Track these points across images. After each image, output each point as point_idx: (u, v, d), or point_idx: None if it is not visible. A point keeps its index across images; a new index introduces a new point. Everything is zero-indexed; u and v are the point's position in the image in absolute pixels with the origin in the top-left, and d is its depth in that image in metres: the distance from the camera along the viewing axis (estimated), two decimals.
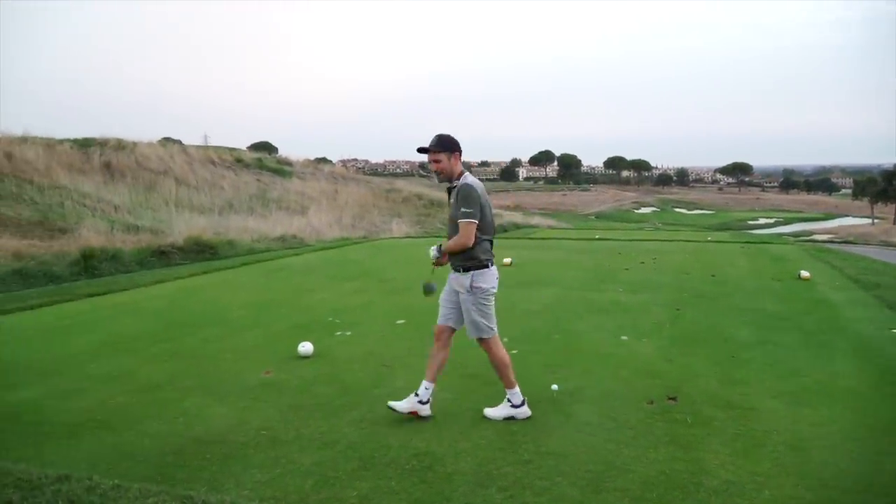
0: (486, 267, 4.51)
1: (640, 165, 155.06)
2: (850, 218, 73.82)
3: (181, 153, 29.52)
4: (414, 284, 10.20)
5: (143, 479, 3.49)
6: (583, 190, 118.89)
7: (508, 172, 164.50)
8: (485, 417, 4.48)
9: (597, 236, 20.50)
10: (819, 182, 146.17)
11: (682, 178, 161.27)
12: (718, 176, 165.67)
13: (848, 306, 8.38)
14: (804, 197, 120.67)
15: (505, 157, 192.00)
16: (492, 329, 4.63)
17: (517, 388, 4.55)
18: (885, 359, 5.93)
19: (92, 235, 14.19)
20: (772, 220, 71.02)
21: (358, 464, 3.77)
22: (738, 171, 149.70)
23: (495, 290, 4.65)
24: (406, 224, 26.81)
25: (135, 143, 28.06)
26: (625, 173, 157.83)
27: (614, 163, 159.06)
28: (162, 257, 13.26)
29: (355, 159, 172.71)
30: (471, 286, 4.49)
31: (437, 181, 4.68)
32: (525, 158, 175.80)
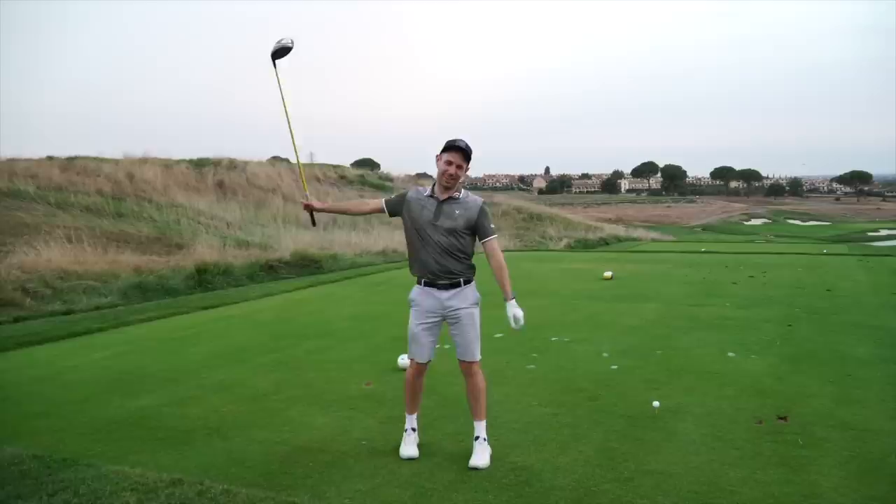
0: None
1: (750, 175, 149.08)
2: None
3: (288, 171, 30.69)
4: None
5: (250, 485, 3.65)
6: (688, 202, 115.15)
7: (610, 185, 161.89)
8: (474, 469, 3.89)
9: (703, 249, 19.82)
10: None
11: (795, 187, 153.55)
12: (835, 185, 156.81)
13: None
14: None
15: (606, 170, 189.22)
16: None
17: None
18: None
19: (205, 251, 14.95)
20: (895, 232, 66.50)
21: (455, 476, 3.80)
22: (857, 180, 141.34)
23: None
24: (505, 238, 26.82)
25: (246, 163, 29.44)
26: (733, 184, 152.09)
27: (722, 173, 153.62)
28: (270, 271, 13.82)
29: None
30: (477, 299, 4.27)
31: (420, 193, 4.26)
32: (627, 170, 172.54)
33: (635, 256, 17.81)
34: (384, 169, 42.17)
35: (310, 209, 4.51)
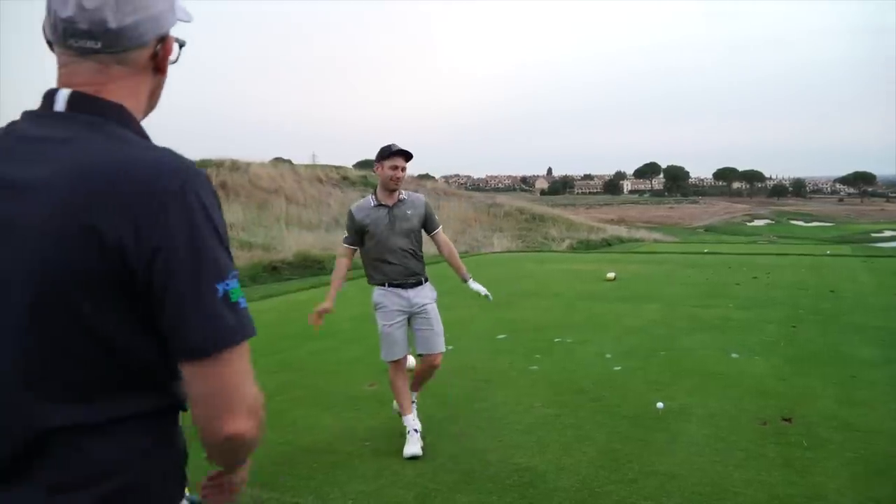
0: None
1: (753, 176, 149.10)
2: None
3: (291, 172, 30.74)
4: (515, 300, 10.19)
5: (253, 485, 3.63)
6: (691, 202, 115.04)
7: (612, 186, 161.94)
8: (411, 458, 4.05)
9: (705, 250, 19.79)
10: None
11: (798, 188, 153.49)
12: (838, 186, 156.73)
13: None
14: None
15: (608, 170, 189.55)
16: None
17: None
18: None
19: None
20: None
21: (459, 477, 3.80)
22: (861, 181, 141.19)
23: None
24: (507, 239, 26.82)
25: (248, 164, 29.46)
26: (736, 185, 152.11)
27: (724, 174, 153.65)
28: (273, 272, 13.84)
29: (457, 175, 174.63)
30: (436, 296, 4.51)
31: (365, 208, 4.34)
32: (629, 171, 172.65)
33: (638, 257, 17.80)
34: None
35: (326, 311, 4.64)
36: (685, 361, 6.24)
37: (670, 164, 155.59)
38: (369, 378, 5.87)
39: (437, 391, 5.45)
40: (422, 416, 4.41)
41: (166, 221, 0.98)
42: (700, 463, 3.90)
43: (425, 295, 4.37)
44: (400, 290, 4.31)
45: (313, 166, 34.32)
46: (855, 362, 6.09)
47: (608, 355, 6.49)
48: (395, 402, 4.45)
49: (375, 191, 4.38)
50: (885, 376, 5.63)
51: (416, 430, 4.21)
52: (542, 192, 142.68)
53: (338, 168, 35.20)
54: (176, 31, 1.22)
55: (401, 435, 4.38)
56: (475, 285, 4.55)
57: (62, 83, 1.08)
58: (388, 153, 4.23)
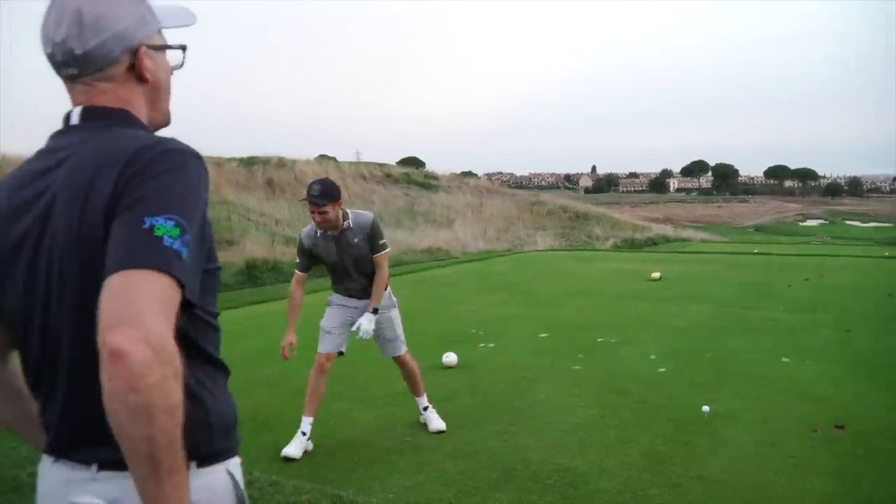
0: None
1: (806, 174, 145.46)
2: None
3: (335, 170, 31.01)
4: (557, 298, 10.11)
5: (297, 477, 3.68)
6: (740, 201, 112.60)
7: (658, 184, 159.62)
8: (438, 432, 4.42)
9: (755, 251, 19.37)
10: None
11: (854, 187, 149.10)
12: None
13: None
14: None
15: (654, 168, 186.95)
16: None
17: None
18: None
19: (255, 247, 15.20)
20: None
21: (499, 475, 3.78)
22: None
23: None
24: (550, 237, 26.66)
25: (294, 161, 29.83)
26: (788, 183, 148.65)
27: (776, 172, 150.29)
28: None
29: (500, 172, 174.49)
30: (394, 302, 4.55)
31: (312, 237, 4.30)
32: (676, 169, 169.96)
33: (684, 257, 17.50)
34: (429, 167, 42.29)
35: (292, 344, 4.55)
36: (732, 364, 6.11)
37: (719, 161, 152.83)
38: None
39: (479, 388, 5.43)
40: (463, 414, 4.39)
41: (137, 170, 1.07)
42: (747, 469, 3.81)
43: (384, 305, 4.36)
44: (356, 301, 4.40)
45: (357, 163, 34.60)
46: None
47: (652, 356, 6.39)
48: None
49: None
50: None
51: (304, 434, 4.16)
52: (587, 191, 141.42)
53: (381, 165, 35.41)
54: (185, 34, 1.30)
55: (440, 431, 4.39)
56: (367, 322, 4.28)
57: (72, 104, 1.21)
58: (308, 199, 4.08)
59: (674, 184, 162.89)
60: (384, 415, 4.86)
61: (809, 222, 78.20)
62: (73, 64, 1.17)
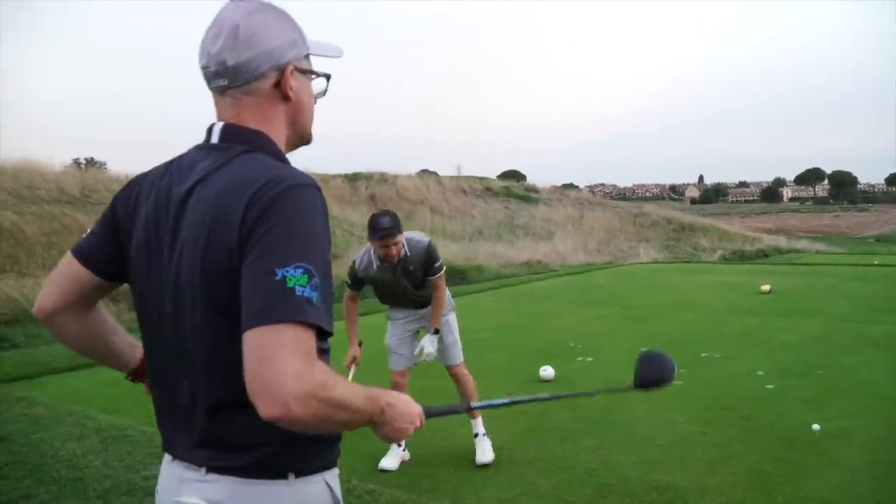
0: None
1: None
2: None
3: (436, 184, 31.42)
4: (659, 312, 9.86)
5: (394, 486, 3.78)
6: (859, 210, 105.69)
7: (770, 193, 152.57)
8: (482, 465, 4.15)
9: (875, 262, 18.19)
10: None
11: None
12: None
13: None
14: None
15: (766, 177, 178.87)
16: None
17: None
18: None
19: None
20: None
21: (594, 491, 3.74)
22: None
23: None
24: (654, 249, 25.96)
25: (396, 176, 30.45)
26: None
27: None
28: None
29: (602, 184, 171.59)
30: (452, 305, 4.53)
31: (367, 267, 4.34)
32: (790, 177, 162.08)
33: (797, 269, 16.66)
34: (530, 180, 42.15)
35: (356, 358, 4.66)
36: (846, 381, 5.78)
37: (836, 168, 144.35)
38: (507, 387, 5.88)
39: (575, 403, 5.38)
40: (558, 428, 4.36)
41: (263, 212, 1.13)
42: (859, 491, 3.61)
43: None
44: (414, 310, 4.46)
45: (458, 178, 34.93)
46: None
47: (760, 372, 6.13)
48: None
49: (374, 249, 4.17)
50: None
51: (398, 445, 4.20)
52: (693, 201, 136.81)
53: (481, 179, 35.58)
54: (337, 64, 1.40)
55: (536, 444, 4.38)
56: (426, 340, 4.33)
57: (217, 117, 1.32)
58: (372, 232, 3.97)
59: (787, 193, 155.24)
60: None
61: None
62: (223, 74, 1.26)
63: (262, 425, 1.07)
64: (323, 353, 1.32)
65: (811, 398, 5.30)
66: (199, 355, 1.22)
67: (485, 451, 4.21)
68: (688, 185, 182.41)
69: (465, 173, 36.86)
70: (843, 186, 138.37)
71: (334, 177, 29.06)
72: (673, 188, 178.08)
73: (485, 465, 4.13)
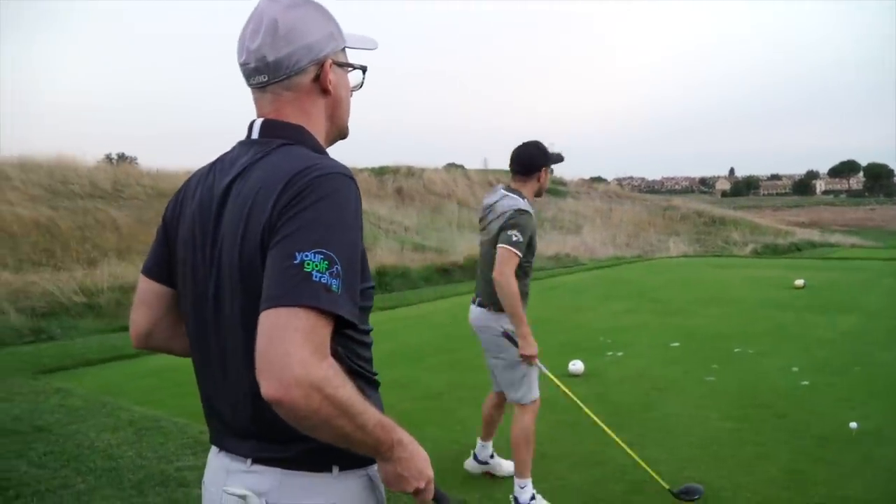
0: None
1: None
2: None
3: (463, 177, 31.39)
4: (690, 306, 9.74)
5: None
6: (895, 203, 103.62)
7: (803, 186, 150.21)
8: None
9: None
10: None
11: None
12: None
13: None
14: None
15: (799, 170, 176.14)
16: None
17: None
18: None
19: (385, 254, 15.64)
20: None
21: (627, 487, 3.71)
22: None
23: None
24: (684, 243, 25.67)
25: (423, 170, 30.46)
26: None
27: None
28: (445, 275, 14.20)
29: (631, 177, 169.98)
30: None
31: (525, 201, 3.58)
32: (823, 170, 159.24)
33: (831, 263, 16.36)
34: (557, 173, 41.86)
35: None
36: (884, 378, 5.66)
37: (871, 161, 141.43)
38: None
39: (606, 398, 5.34)
40: (589, 423, 4.32)
41: (293, 198, 1.13)
42: None
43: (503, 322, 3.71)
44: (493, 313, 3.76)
45: (484, 171, 34.79)
46: None
47: (795, 368, 6.03)
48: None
49: (522, 195, 3.60)
50: None
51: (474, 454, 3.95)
52: (724, 194, 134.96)
53: (508, 173, 35.45)
54: (364, 58, 1.41)
55: (568, 439, 4.35)
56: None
57: (257, 114, 1.32)
58: (559, 158, 3.67)
59: (820, 185, 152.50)
60: (508, 422, 4.87)
61: None
62: (263, 70, 1.27)
63: None
64: (362, 345, 1.31)
65: (847, 395, 5.20)
66: (240, 347, 1.21)
67: (504, 465, 3.88)
68: (718, 177, 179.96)
69: (491, 167, 36.63)
70: (878, 179, 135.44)
71: (362, 170, 29.16)
72: (703, 181, 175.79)
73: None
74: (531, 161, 3.58)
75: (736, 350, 6.83)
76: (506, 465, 3.88)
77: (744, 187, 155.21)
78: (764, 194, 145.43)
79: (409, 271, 13.64)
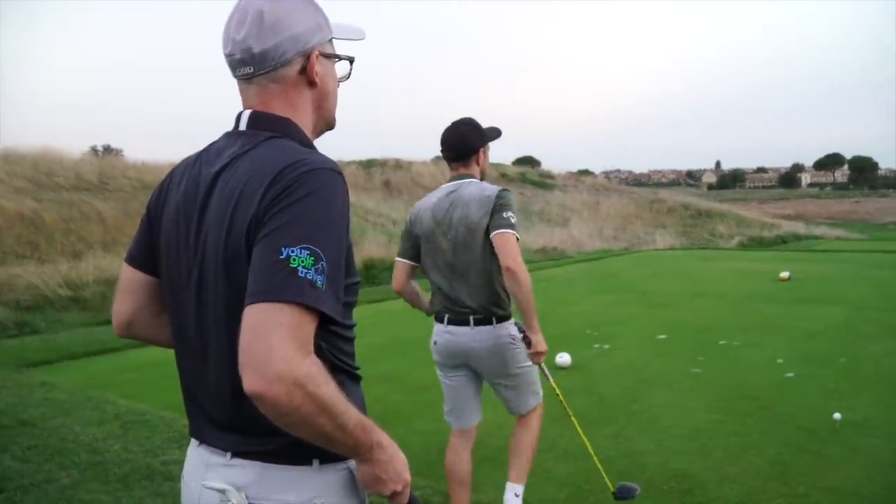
0: None
1: None
2: None
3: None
4: (676, 299, 9.79)
5: (411, 472, 3.77)
6: (880, 196, 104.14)
7: (788, 179, 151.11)
8: None
9: None
10: None
11: None
12: None
13: None
14: None
15: (784, 163, 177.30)
16: None
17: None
18: None
19: (373, 247, 15.62)
20: None
21: (613, 478, 3.71)
22: None
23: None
24: (671, 235, 25.81)
25: (410, 163, 30.44)
26: None
27: None
28: None
29: (618, 170, 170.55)
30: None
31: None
32: (808, 163, 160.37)
33: (817, 256, 16.50)
34: (545, 166, 41.98)
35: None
36: (869, 370, 5.72)
37: (856, 154, 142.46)
38: None
39: (593, 390, 5.36)
40: (576, 415, 4.34)
41: (280, 193, 1.12)
42: (882, 481, 3.56)
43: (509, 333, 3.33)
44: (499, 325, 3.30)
45: None
46: None
47: (780, 360, 6.08)
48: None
49: (482, 178, 3.24)
50: None
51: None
52: (710, 187, 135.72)
53: (496, 165, 35.44)
54: (352, 48, 1.38)
55: (555, 431, 4.36)
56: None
57: (243, 106, 1.30)
58: (497, 133, 3.24)
59: (806, 178, 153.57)
60: (497, 415, 4.86)
61: None
62: (249, 62, 1.25)
63: None
64: (345, 341, 1.32)
65: (832, 387, 5.25)
66: (223, 339, 1.20)
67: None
68: (704, 170, 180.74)
69: None
70: (863, 172, 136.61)
71: (349, 163, 29.09)
72: (689, 174, 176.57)
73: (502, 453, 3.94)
74: (465, 143, 3.05)
75: (722, 342, 6.88)
76: None
77: (730, 180, 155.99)
78: (750, 187, 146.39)
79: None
